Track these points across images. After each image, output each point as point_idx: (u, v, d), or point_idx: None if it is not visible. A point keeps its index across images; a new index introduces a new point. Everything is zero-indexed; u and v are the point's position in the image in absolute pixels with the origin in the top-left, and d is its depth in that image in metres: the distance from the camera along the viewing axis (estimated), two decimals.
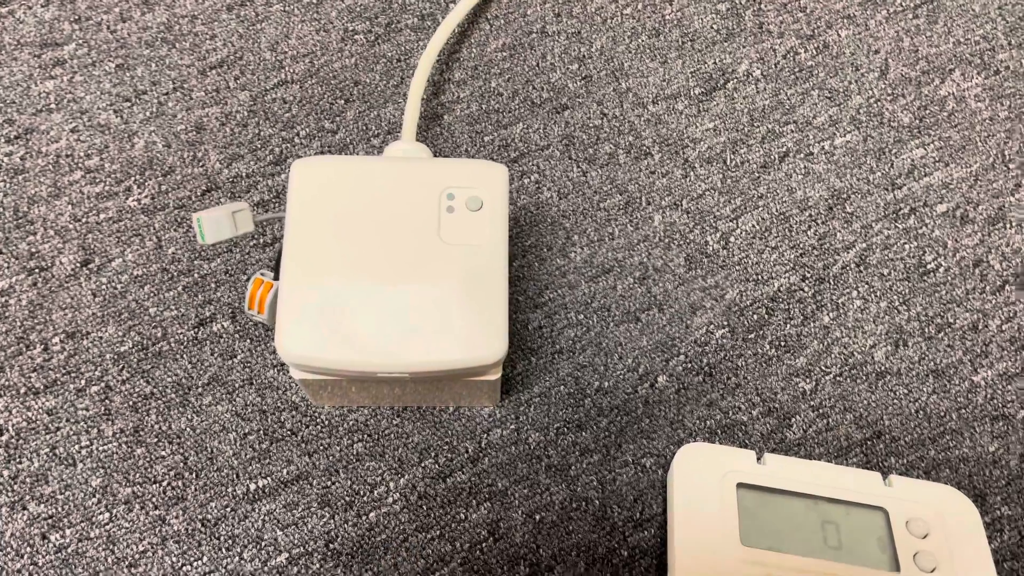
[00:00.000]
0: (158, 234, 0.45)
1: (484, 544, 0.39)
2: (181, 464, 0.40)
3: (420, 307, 0.35)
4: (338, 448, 0.41)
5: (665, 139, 0.48)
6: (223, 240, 0.38)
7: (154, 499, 0.40)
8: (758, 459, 0.40)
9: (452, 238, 0.36)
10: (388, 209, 0.37)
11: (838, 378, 0.43)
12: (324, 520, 0.40)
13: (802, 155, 0.48)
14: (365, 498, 0.40)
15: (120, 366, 0.42)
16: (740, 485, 0.39)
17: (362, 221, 0.36)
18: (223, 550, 0.39)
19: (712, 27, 0.51)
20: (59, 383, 0.42)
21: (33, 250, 0.44)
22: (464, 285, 0.35)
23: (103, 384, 0.42)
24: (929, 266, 0.46)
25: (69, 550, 0.39)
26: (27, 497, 0.40)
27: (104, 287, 0.43)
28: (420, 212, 0.37)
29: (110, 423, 0.41)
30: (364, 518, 0.40)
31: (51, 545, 0.39)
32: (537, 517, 0.40)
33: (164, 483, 0.40)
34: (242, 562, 0.39)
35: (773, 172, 0.47)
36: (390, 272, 0.35)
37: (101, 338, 0.42)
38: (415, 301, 0.35)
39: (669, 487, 0.40)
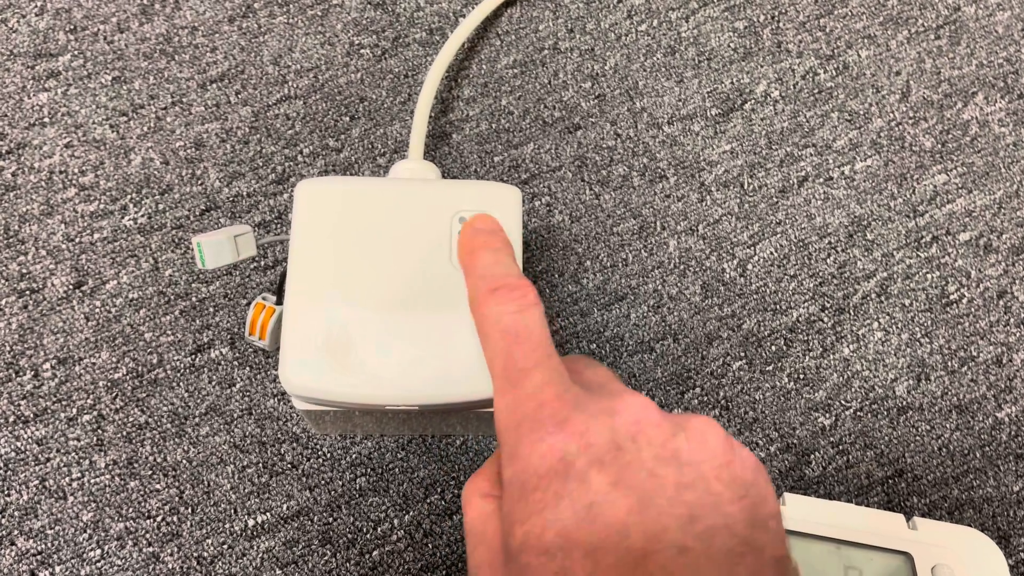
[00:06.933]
0: (154, 255, 0.43)
1: None
2: (176, 498, 0.39)
3: (430, 336, 0.33)
4: (340, 482, 0.39)
5: (681, 161, 0.46)
6: (224, 265, 0.37)
7: (148, 535, 0.38)
8: (778, 499, 0.38)
9: None
10: (397, 233, 0.35)
11: (858, 413, 0.42)
12: (325, 559, 0.38)
13: (821, 180, 0.46)
14: (368, 535, 0.39)
15: (114, 394, 0.40)
16: None
17: (370, 245, 0.35)
18: None
19: (729, 46, 0.49)
20: (50, 411, 0.40)
21: (24, 271, 0.42)
22: None
23: (96, 413, 0.40)
24: (952, 297, 0.44)
25: None
26: (15, 532, 0.38)
27: (98, 311, 0.42)
28: (430, 236, 0.35)
29: (103, 454, 0.39)
30: (367, 556, 0.38)
31: None
32: None
33: (158, 518, 0.38)
34: None
35: (792, 197, 0.46)
36: (399, 299, 0.34)
37: (94, 364, 0.41)
38: (424, 330, 0.33)
39: None
